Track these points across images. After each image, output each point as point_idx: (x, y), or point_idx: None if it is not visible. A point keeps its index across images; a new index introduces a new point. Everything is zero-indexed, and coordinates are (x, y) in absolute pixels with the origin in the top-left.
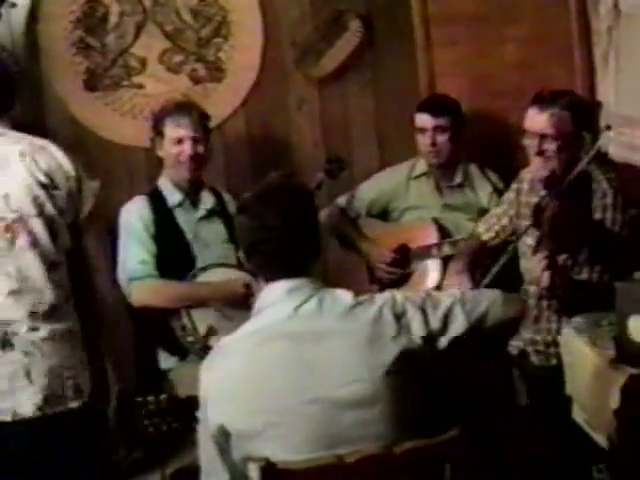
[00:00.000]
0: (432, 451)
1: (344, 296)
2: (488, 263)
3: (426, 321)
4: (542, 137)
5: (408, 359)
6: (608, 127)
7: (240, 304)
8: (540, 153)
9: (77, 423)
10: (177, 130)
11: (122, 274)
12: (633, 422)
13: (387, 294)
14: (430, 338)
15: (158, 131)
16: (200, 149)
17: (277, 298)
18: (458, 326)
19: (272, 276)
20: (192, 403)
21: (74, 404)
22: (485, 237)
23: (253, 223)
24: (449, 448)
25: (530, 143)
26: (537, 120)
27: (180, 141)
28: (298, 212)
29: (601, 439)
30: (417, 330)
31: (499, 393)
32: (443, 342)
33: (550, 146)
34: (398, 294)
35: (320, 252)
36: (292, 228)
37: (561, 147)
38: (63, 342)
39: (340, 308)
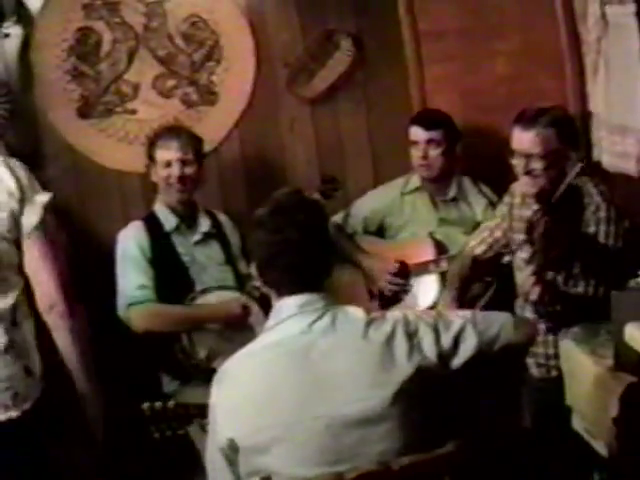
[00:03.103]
0: (430, 465)
1: (356, 314)
2: (483, 277)
3: (438, 341)
4: (528, 156)
5: (420, 378)
6: (581, 160)
7: (238, 325)
8: (528, 173)
9: (18, 431)
10: (165, 153)
11: (121, 300)
12: (632, 430)
13: (399, 313)
14: (442, 357)
15: (150, 156)
16: (188, 171)
17: (290, 313)
18: (469, 347)
19: (286, 290)
20: (199, 411)
21: (13, 413)
22: (477, 251)
23: (272, 237)
24: (447, 462)
25: (518, 162)
26: (522, 140)
27: (169, 164)
28: (315, 226)
29: (601, 447)
30: (429, 349)
31: (504, 413)
32: (455, 363)
33: (537, 165)
34: (410, 313)
35: (332, 268)
36: (310, 242)
37: (548, 165)
38: (3, 355)
39: (353, 326)
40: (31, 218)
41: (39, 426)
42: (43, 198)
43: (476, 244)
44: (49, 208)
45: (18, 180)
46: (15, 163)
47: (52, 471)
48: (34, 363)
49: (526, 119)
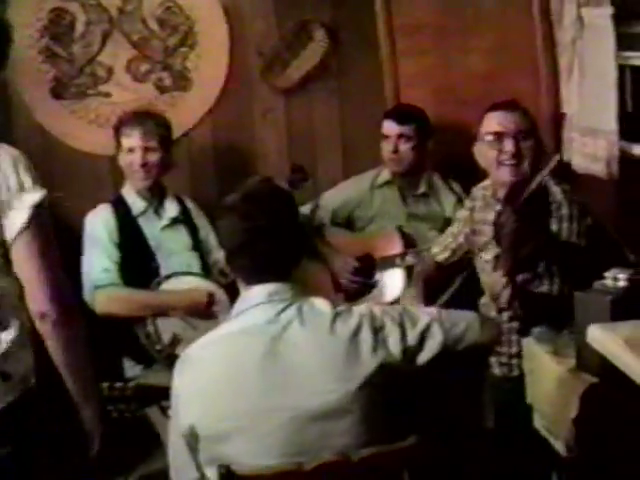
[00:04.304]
0: (390, 458)
1: (323, 306)
2: (444, 282)
3: (403, 337)
4: (517, 137)
5: (384, 374)
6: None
7: (203, 313)
8: (516, 154)
9: None
10: (129, 140)
11: (87, 282)
12: (591, 430)
13: (365, 308)
14: (407, 354)
15: (117, 141)
16: (151, 158)
17: (258, 301)
18: (435, 344)
19: (255, 279)
20: (159, 393)
21: None
22: (440, 258)
23: (243, 224)
24: (407, 455)
25: (499, 148)
26: (510, 120)
27: (131, 150)
28: (286, 214)
29: (560, 447)
30: (394, 345)
31: (467, 411)
32: (420, 359)
33: (526, 144)
34: (377, 308)
35: (302, 257)
36: (280, 230)
37: (535, 145)
38: None
39: (320, 318)
40: (15, 220)
41: (10, 429)
42: (35, 197)
43: (439, 251)
44: (42, 206)
45: (20, 172)
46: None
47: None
48: (16, 367)
49: (507, 103)
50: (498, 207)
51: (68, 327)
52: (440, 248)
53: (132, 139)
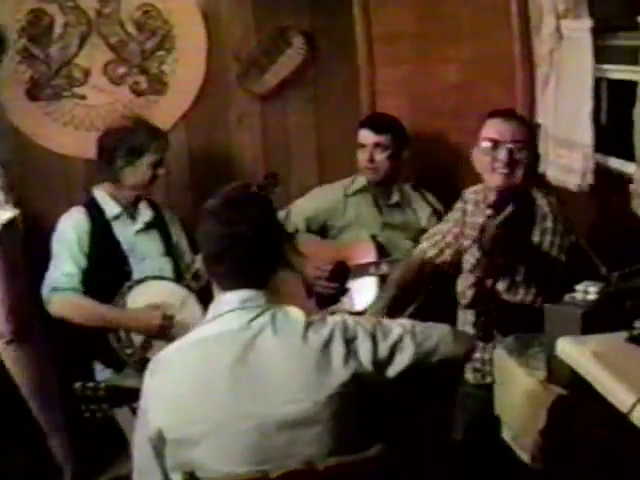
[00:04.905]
0: (355, 468)
1: (297, 315)
2: (423, 286)
3: (375, 349)
4: (512, 146)
5: (355, 385)
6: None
7: (156, 336)
8: (509, 163)
9: None
10: (158, 155)
11: (47, 282)
12: (559, 442)
13: (339, 317)
14: (377, 366)
15: (136, 150)
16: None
17: (231, 307)
18: (406, 357)
19: (231, 284)
20: (131, 395)
21: None
22: (430, 254)
23: (223, 230)
24: (372, 465)
25: (494, 155)
26: (507, 129)
27: (159, 164)
28: (266, 222)
29: (526, 457)
30: (365, 356)
31: (437, 424)
32: (390, 372)
33: (521, 155)
34: (350, 318)
35: (279, 266)
36: (260, 237)
37: (529, 156)
38: None
39: (292, 327)
40: None
41: None
42: (4, 216)
43: (428, 247)
44: (13, 226)
45: None
46: None
47: None
48: None
49: (506, 112)
50: (488, 212)
51: (24, 348)
52: (429, 244)
53: (162, 153)
